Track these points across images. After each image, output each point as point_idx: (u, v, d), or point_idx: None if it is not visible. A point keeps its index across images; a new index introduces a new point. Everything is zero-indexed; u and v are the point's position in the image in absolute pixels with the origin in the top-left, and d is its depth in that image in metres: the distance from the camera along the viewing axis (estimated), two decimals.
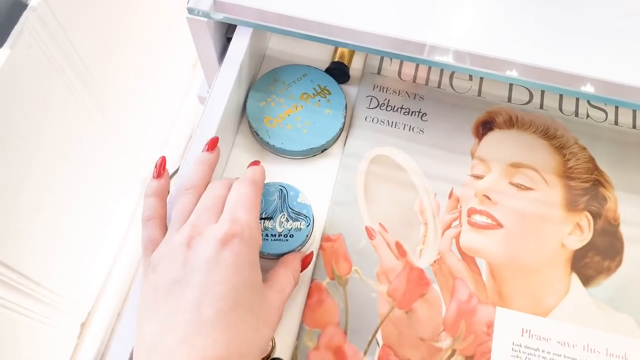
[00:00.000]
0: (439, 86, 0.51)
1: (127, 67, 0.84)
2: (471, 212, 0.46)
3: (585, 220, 0.46)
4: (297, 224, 0.41)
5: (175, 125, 1.12)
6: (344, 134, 0.49)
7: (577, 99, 0.51)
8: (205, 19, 0.44)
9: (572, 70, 0.41)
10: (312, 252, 0.41)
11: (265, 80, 0.50)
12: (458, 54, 0.42)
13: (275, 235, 0.41)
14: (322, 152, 0.48)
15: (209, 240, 0.33)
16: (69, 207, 0.77)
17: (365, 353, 0.41)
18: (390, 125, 0.49)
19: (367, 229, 0.45)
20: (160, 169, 0.38)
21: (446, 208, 0.46)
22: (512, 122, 0.50)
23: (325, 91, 0.49)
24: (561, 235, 0.45)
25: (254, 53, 0.49)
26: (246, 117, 0.49)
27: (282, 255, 0.41)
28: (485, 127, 0.50)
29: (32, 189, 0.67)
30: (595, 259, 0.44)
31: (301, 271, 0.40)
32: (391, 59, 0.52)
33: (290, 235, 0.41)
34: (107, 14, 0.74)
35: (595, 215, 0.46)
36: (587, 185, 0.47)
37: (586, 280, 0.44)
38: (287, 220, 0.41)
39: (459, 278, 0.44)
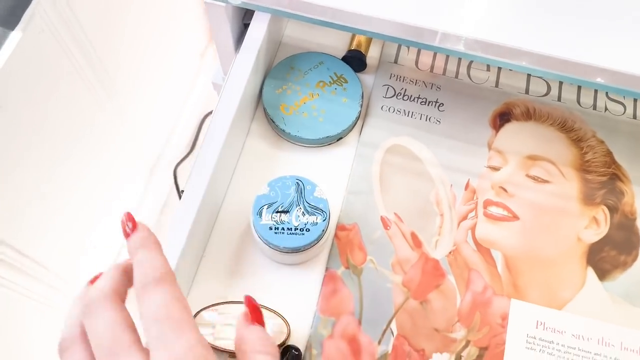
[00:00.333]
0: (456, 76, 0.51)
1: (136, 54, 0.84)
2: (487, 203, 0.46)
3: (602, 214, 0.45)
4: (313, 218, 0.41)
5: (183, 114, 1.12)
6: (359, 123, 0.49)
7: (596, 92, 0.51)
8: (223, 4, 0.44)
9: (586, 61, 0.40)
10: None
11: (281, 67, 0.49)
12: (471, 41, 0.41)
13: (291, 229, 0.41)
14: (337, 140, 0.48)
15: None
16: (76, 192, 0.77)
17: (379, 342, 0.41)
18: (407, 114, 0.49)
19: (382, 218, 0.45)
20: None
21: (462, 199, 0.46)
22: (529, 114, 0.49)
23: (341, 79, 0.49)
24: (577, 229, 0.45)
25: (271, 40, 0.49)
26: (262, 104, 0.48)
27: (298, 250, 0.41)
28: (502, 118, 0.49)
29: (39, 172, 0.66)
30: (611, 253, 0.44)
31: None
32: (408, 48, 0.52)
33: (306, 230, 0.41)
34: (118, 1, 0.74)
35: (612, 209, 0.46)
36: (604, 178, 0.47)
37: (602, 275, 0.43)
38: (304, 214, 0.41)
39: (474, 269, 0.44)
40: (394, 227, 0.45)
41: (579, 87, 0.51)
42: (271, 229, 0.41)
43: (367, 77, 0.51)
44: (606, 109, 0.50)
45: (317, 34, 0.52)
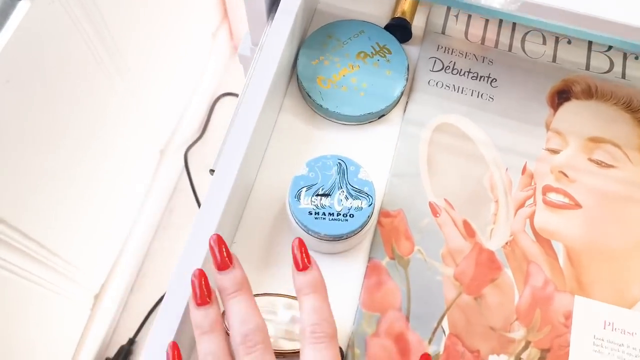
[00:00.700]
0: (509, 49, 0.46)
1: (148, 32, 0.80)
2: (547, 189, 0.41)
3: None
4: (357, 202, 0.37)
5: (194, 96, 1.08)
6: (404, 99, 0.44)
7: None
8: None
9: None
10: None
11: (317, 36, 0.44)
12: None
13: (333, 214, 0.36)
14: (379, 118, 0.44)
15: None
16: (86, 174, 0.73)
17: (429, 342, 0.37)
18: (456, 90, 0.44)
19: (430, 204, 0.41)
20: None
21: (519, 184, 0.41)
22: (590, 92, 0.45)
23: (384, 50, 0.44)
24: None
25: (306, 6, 0.44)
26: (296, 77, 0.44)
27: (340, 237, 0.36)
28: (561, 96, 0.45)
29: (48, 152, 0.63)
30: None
31: None
32: (457, 18, 0.47)
33: (350, 215, 0.36)
34: None
35: None
36: None
37: None
38: (347, 199, 0.37)
39: (533, 262, 0.39)
40: (444, 214, 0.40)
41: None
42: (311, 213, 0.36)
43: (411, 49, 0.46)
44: None
45: (355, 0, 0.48)
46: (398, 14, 0.45)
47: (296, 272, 0.31)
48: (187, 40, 0.98)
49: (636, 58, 0.46)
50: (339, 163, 0.38)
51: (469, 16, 0.47)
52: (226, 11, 1.11)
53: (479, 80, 0.45)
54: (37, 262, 0.68)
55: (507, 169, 0.42)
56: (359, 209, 0.37)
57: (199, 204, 1.04)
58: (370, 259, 0.39)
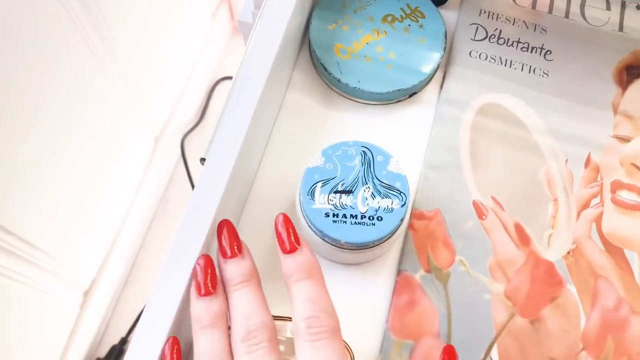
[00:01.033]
0: (566, 16, 0.38)
1: (142, 10, 0.72)
2: (616, 186, 0.34)
3: None
4: (387, 202, 0.29)
5: (191, 80, 1.01)
6: (439, 74, 0.37)
7: None
8: None
9: None
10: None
11: None
12: None
13: (356, 216, 0.29)
14: (410, 96, 0.36)
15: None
16: (72, 161, 0.67)
17: None
18: (504, 63, 0.36)
19: (475, 204, 0.33)
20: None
21: (582, 180, 0.34)
22: None
23: (417, 13, 0.36)
24: None
25: None
26: (309, 45, 0.36)
27: (366, 246, 0.29)
28: (631, 72, 0.37)
29: (31, 139, 0.56)
30: None
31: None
32: None
33: (378, 218, 0.29)
34: None
35: None
36: None
37: None
38: (373, 197, 0.29)
39: (602, 276, 0.32)
40: (492, 216, 0.33)
41: None
42: (328, 215, 0.29)
43: (448, 14, 0.38)
44: None
45: None
46: None
47: (283, 255, 0.26)
48: (184, 19, 0.90)
49: None
50: (363, 151, 0.30)
51: None
52: None
53: (531, 52, 0.37)
54: (18, 258, 0.62)
55: (566, 160, 0.34)
56: (389, 210, 0.29)
57: None
58: (400, 271, 0.31)
